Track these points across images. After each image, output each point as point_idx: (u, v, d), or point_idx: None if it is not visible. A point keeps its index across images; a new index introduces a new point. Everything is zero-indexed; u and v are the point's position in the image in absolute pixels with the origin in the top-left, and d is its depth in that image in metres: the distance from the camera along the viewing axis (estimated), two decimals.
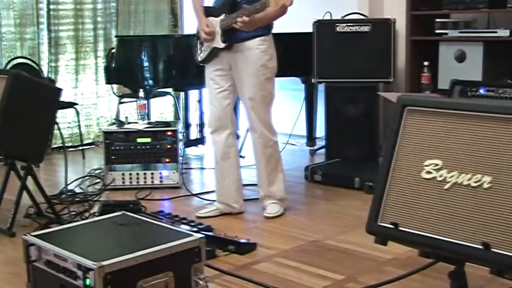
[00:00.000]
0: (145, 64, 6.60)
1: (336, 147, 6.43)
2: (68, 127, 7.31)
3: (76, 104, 7.08)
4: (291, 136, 6.82)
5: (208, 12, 4.78)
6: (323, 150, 6.66)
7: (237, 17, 4.49)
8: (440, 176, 2.61)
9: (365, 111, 6.30)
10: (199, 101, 7.23)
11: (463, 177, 2.55)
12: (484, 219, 2.46)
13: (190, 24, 8.14)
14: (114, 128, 5.88)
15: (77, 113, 7.10)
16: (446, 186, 2.58)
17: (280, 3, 4.33)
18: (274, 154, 4.91)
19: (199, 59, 4.86)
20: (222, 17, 4.67)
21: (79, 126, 7.24)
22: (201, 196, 5.38)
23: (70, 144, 7.28)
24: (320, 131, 6.86)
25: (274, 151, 4.92)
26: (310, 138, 7.06)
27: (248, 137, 6.61)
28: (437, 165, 2.62)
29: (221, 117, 4.82)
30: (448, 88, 5.03)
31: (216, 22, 4.71)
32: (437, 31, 6.03)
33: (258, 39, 4.70)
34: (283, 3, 4.32)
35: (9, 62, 6.95)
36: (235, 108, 5.36)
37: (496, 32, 5.71)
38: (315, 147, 7.00)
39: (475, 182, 2.51)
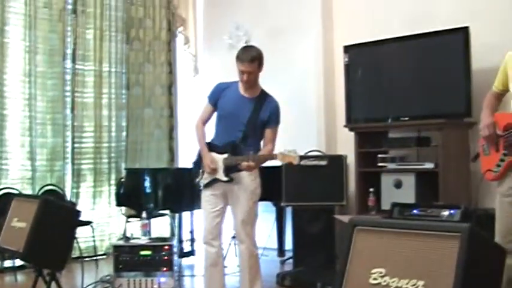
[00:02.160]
0: (148, 191, 6.60)
1: (301, 257, 6.37)
2: (85, 241, 7.20)
3: (92, 222, 7.01)
4: (265, 249, 6.76)
5: (211, 147, 4.77)
6: (291, 260, 6.59)
7: (243, 160, 4.51)
8: (384, 281, 2.59)
9: (324, 228, 6.29)
10: (191, 224, 7.21)
11: (402, 282, 2.53)
12: None
13: (184, 160, 8.19)
14: (121, 242, 5.83)
15: (93, 229, 7.04)
16: None
17: (287, 160, 4.40)
18: (256, 263, 4.84)
19: (201, 185, 4.79)
20: (226, 156, 4.65)
21: (94, 240, 7.16)
22: None
23: (86, 254, 7.16)
24: (288, 244, 6.81)
25: (256, 261, 4.85)
26: (280, 250, 7.01)
27: (231, 250, 6.62)
28: (381, 272, 2.61)
29: (213, 232, 4.77)
30: (389, 209, 5.06)
31: (219, 158, 4.68)
32: (379, 164, 6.10)
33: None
34: (290, 162, 4.40)
35: (41, 188, 6.92)
36: None
37: (423, 165, 5.81)
38: (285, 258, 6.93)
39: (412, 286, 2.49)
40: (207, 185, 4.76)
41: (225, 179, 4.67)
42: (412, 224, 2.64)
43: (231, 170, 4.66)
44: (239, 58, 4.64)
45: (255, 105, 4.70)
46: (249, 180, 4.71)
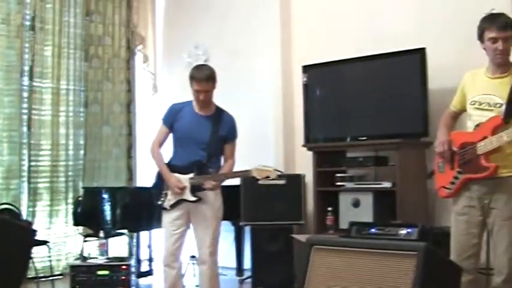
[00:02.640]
0: (106, 210, 6.52)
1: (260, 276, 6.35)
2: (41, 261, 7.06)
3: (48, 242, 6.89)
4: (223, 268, 6.72)
5: (171, 168, 4.76)
6: (250, 280, 6.56)
7: (212, 178, 4.56)
8: None
9: (283, 247, 6.27)
10: (149, 243, 7.13)
11: None
12: None
13: (142, 179, 8.12)
14: (78, 262, 5.76)
15: (49, 249, 6.91)
16: None
17: (265, 175, 4.40)
18: (216, 284, 4.86)
19: (166, 207, 4.76)
20: (191, 175, 4.66)
21: (50, 260, 7.03)
22: None
23: (42, 274, 7.01)
24: (247, 263, 6.78)
25: (217, 282, 4.87)
26: (239, 269, 6.97)
27: (189, 270, 6.56)
28: None
29: (174, 254, 4.76)
30: (347, 228, 5.09)
31: (184, 179, 4.67)
32: (337, 183, 6.12)
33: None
34: (267, 176, 4.40)
35: None
36: None
37: (381, 184, 5.85)
38: (243, 277, 6.89)
39: None
40: (172, 206, 4.73)
41: (192, 199, 4.66)
42: (368, 243, 2.66)
43: (197, 189, 4.65)
44: (195, 78, 4.68)
45: (213, 123, 4.72)
46: (213, 198, 4.72)
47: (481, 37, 3.86)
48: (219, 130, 4.71)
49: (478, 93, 3.89)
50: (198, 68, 4.81)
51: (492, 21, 3.80)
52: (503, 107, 3.75)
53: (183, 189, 4.66)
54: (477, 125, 3.86)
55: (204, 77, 4.65)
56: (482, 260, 4.08)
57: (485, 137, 3.74)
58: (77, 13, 7.78)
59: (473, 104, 3.90)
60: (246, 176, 4.57)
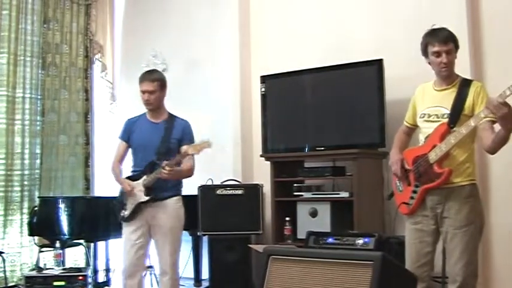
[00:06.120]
0: (62, 220, 6.43)
1: (218, 286, 6.33)
2: None
3: (3, 252, 6.77)
4: (181, 278, 6.67)
5: (131, 178, 4.81)
6: None
7: (162, 168, 4.51)
8: None
9: (240, 257, 6.27)
10: (106, 251, 7.05)
11: None
12: None
13: (99, 188, 8.04)
14: (34, 273, 5.67)
15: (3, 260, 6.78)
16: None
17: (198, 148, 4.38)
18: None
19: (125, 216, 4.77)
20: (144, 177, 4.68)
21: (4, 271, 6.89)
22: None
23: None
24: (205, 273, 6.75)
25: None
26: (197, 279, 6.93)
27: (147, 280, 6.50)
28: None
29: (136, 265, 4.74)
30: (305, 238, 5.12)
31: (137, 183, 4.71)
32: (295, 193, 6.15)
33: (174, 198, 4.72)
34: (201, 147, 4.37)
35: None
36: None
37: (339, 194, 5.89)
38: (201, 287, 6.87)
39: None
40: (131, 216, 4.72)
41: (145, 198, 4.67)
42: (326, 253, 2.67)
43: (151, 190, 4.64)
44: (140, 80, 4.82)
45: (165, 127, 4.79)
46: (174, 207, 4.70)
47: (425, 52, 3.95)
48: (172, 133, 4.75)
49: (426, 106, 3.97)
50: (147, 71, 4.96)
51: (434, 35, 3.89)
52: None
53: (133, 190, 4.69)
54: (427, 137, 3.93)
55: (148, 78, 4.78)
56: (437, 268, 4.13)
57: (434, 146, 3.80)
58: (34, 20, 7.65)
59: (423, 117, 3.97)
60: (183, 156, 4.52)
